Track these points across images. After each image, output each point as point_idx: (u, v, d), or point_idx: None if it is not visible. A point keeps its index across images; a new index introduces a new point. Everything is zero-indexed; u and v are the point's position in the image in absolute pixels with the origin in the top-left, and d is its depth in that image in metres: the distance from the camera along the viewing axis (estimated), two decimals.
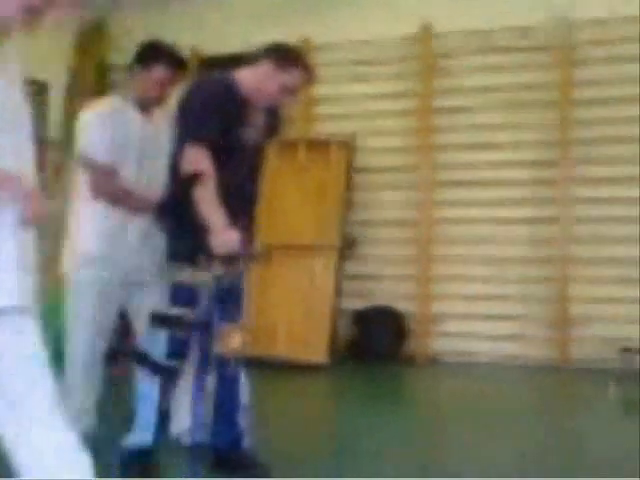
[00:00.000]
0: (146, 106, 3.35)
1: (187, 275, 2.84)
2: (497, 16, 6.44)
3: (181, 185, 2.88)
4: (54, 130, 7.60)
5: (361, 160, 6.82)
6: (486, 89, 6.53)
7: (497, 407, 4.82)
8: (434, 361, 6.53)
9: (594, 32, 6.25)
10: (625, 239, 6.08)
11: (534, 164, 6.45)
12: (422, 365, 6.43)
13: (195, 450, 2.75)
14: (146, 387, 2.99)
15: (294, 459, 3.39)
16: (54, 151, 7.50)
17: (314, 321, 6.18)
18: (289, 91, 3.00)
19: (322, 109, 7.08)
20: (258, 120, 3.09)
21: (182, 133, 2.97)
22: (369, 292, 6.75)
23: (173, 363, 2.93)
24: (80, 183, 3.38)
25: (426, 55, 6.71)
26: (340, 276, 6.54)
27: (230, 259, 2.80)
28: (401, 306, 6.62)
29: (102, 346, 3.40)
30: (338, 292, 6.51)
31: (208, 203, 2.80)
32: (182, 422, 3.22)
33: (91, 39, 7.73)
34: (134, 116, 3.34)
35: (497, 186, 6.50)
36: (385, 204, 6.85)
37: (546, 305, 6.36)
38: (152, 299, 3.34)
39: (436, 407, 4.93)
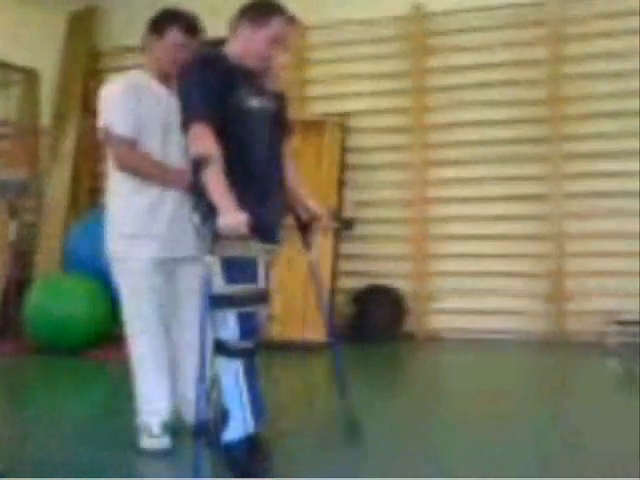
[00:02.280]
0: (168, 77, 3.27)
1: (244, 248, 2.79)
2: None
3: (192, 167, 2.83)
4: (46, 117, 7.60)
5: (355, 140, 6.84)
6: (478, 67, 6.54)
7: (496, 382, 4.86)
8: (433, 338, 6.59)
9: (584, 8, 6.29)
10: (618, 213, 6.13)
11: (528, 141, 6.47)
12: (421, 342, 6.49)
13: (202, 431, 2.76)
14: (228, 377, 2.87)
15: (296, 438, 3.42)
16: (47, 139, 7.51)
17: (313, 301, 6.20)
18: (277, 42, 2.94)
19: (315, 90, 7.08)
20: (268, 87, 3.03)
21: (182, 114, 2.91)
22: (366, 271, 6.79)
23: (250, 342, 2.89)
24: (110, 160, 3.33)
25: (418, 35, 6.71)
26: (337, 256, 6.57)
27: (238, 240, 2.75)
28: (399, 284, 6.66)
29: (159, 324, 3.31)
30: (336, 272, 6.54)
31: (215, 184, 2.75)
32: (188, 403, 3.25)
33: (82, 26, 7.71)
34: (157, 88, 3.28)
35: (491, 163, 6.52)
36: (380, 184, 6.87)
37: (542, 280, 6.41)
38: (189, 280, 3.30)
39: (437, 384, 4.97)
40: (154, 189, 3.22)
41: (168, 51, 3.24)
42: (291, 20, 2.99)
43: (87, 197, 7.63)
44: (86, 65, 7.66)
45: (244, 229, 2.71)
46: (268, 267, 3.01)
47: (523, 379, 5.04)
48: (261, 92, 2.99)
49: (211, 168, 2.75)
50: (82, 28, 7.72)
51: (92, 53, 7.72)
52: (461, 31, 6.62)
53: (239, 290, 2.84)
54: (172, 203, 3.22)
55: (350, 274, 6.79)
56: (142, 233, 3.23)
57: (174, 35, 3.24)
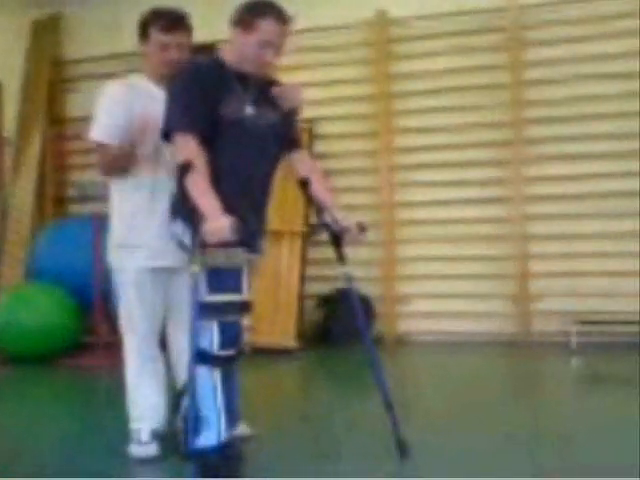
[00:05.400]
0: (164, 78, 3.19)
1: (225, 257, 2.77)
2: (448, 0, 6.57)
3: (177, 175, 2.82)
4: (10, 127, 7.54)
5: (322, 146, 6.88)
6: (443, 72, 6.62)
7: (466, 384, 4.90)
8: (402, 341, 6.64)
9: (543, 14, 6.40)
10: (581, 214, 6.25)
11: (490, 145, 6.56)
12: (390, 345, 6.53)
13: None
14: (206, 384, 2.85)
15: (267, 445, 3.41)
16: (11, 148, 7.45)
17: (281, 306, 6.24)
18: (270, 44, 2.88)
19: None
20: (273, 98, 3.00)
21: (164, 123, 2.90)
22: (334, 276, 6.79)
23: (230, 351, 2.88)
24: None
25: (382, 41, 6.78)
26: (305, 261, 6.60)
27: (223, 247, 2.72)
28: (367, 288, 6.69)
29: (154, 336, 3.31)
30: (304, 277, 6.57)
31: (198, 190, 2.73)
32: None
33: (46, 34, 7.65)
34: (154, 90, 3.21)
35: (455, 167, 6.59)
36: (346, 189, 6.91)
37: (508, 282, 6.50)
38: (181, 289, 3.25)
39: (407, 386, 4.99)
40: (142, 198, 3.19)
41: (155, 52, 3.21)
42: (282, 19, 2.89)
43: (52, 207, 7.58)
44: (50, 74, 7.60)
45: (229, 234, 2.66)
46: (249, 277, 2.99)
47: (494, 380, 5.08)
48: (260, 101, 2.95)
49: (195, 174, 2.73)
50: (46, 37, 7.66)
51: (56, 62, 7.66)
52: (425, 37, 6.69)
53: (222, 299, 2.83)
54: (161, 212, 3.14)
55: (318, 279, 6.81)
56: (131, 242, 3.21)
57: (156, 35, 3.19)
